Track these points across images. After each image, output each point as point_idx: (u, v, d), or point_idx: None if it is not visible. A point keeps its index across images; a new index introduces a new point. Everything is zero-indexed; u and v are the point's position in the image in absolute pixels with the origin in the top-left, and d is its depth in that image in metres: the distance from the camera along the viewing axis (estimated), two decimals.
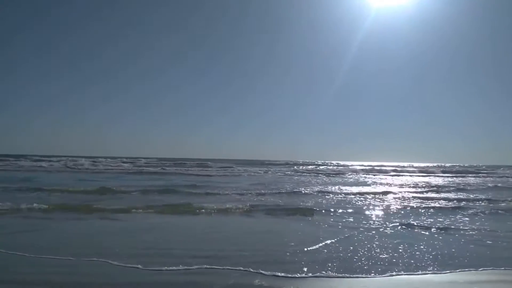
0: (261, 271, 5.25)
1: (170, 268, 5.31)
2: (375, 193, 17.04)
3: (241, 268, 5.35)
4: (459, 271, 5.53)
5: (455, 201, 14.55)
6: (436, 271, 5.50)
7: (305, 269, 5.43)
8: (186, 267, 5.37)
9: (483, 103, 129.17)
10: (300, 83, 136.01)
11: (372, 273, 5.37)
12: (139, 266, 5.39)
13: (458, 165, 79.35)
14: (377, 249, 6.70)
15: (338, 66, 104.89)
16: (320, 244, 6.94)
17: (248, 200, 13.32)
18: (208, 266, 5.42)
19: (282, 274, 5.15)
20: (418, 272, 5.45)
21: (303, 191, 17.27)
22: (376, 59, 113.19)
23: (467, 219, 10.31)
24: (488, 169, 57.30)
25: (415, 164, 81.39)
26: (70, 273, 5.11)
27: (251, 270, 5.29)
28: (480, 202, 14.37)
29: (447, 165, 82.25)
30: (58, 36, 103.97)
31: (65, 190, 15.27)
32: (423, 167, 60.40)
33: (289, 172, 38.92)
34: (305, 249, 6.59)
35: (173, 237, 7.64)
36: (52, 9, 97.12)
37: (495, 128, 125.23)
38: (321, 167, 55.26)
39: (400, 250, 6.65)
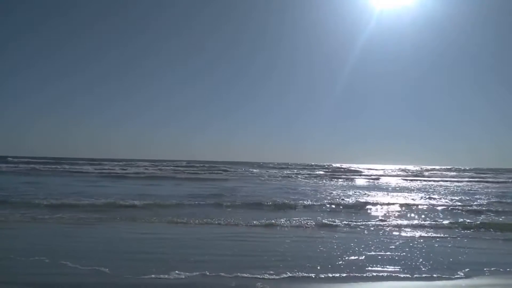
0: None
1: None
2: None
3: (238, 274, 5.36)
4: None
5: None
6: None
7: None
8: None
9: (489, 105, 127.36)
10: (303, 85, 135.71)
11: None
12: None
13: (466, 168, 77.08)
14: None
15: (341, 68, 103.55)
16: None
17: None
18: None
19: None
20: None
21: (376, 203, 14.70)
22: (380, 61, 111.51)
23: None
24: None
25: (429, 167, 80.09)
26: None
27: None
28: None
29: (463, 168, 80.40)
30: (63, 38, 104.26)
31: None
32: (443, 170, 59.45)
33: (313, 176, 37.61)
34: None
35: None
36: (57, 11, 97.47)
37: (505, 131, 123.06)
38: (339, 171, 53.38)
39: None
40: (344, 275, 5.49)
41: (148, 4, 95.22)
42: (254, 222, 9.72)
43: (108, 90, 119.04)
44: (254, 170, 46.51)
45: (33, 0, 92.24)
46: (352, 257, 6.45)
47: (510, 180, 35.49)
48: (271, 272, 5.46)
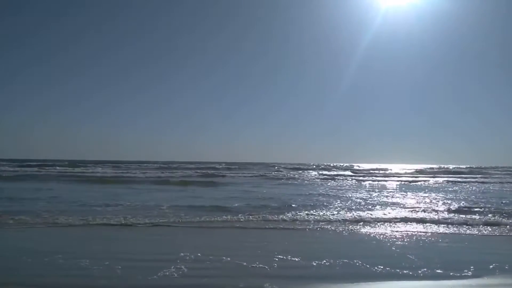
0: None
1: None
2: None
3: None
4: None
5: None
6: None
7: None
8: None
9: (495, 103, 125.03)
10: (309, 84, 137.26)
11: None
12: None
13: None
14: None
15: (347, 67, 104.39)
16: None
17: None
18: None
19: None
20: None
21: None
22: (386, 59, 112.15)
23: None
24: None
25: (434, 166, 78.29)
26: None
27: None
28: None
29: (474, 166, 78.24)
30: (67, 40, 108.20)
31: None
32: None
33: (344, 176, 37.20)
34: None
35: None
36: (61, 13, 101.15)
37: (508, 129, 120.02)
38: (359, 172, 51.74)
39: None
40: (352, 274, 5.53)
41: (153, 5, 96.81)
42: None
43: (113, 91, 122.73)
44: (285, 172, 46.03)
45: (37, 1, 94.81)
46: (360, 256, 6.43)
47: None
48: (279, 271, 5.57)
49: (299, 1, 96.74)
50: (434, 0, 65.80)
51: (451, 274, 5.54)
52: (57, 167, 43.27)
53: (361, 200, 15.54)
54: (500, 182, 31.04)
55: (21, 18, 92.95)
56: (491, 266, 5.96)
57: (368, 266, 5.91)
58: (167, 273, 5.44)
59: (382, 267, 5.84)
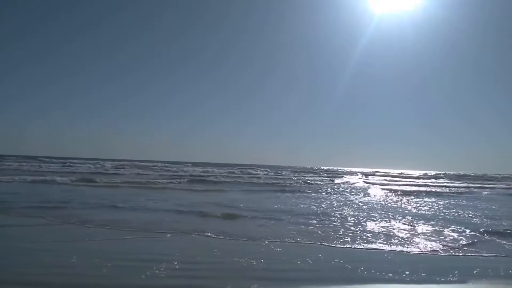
0: None
1: None
2: None
3: None
4: None
5: None
6: None
7: None
8: None
9: (489, 110, 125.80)
10: (304, 89, 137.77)
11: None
12: None
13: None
14: None
15: (342, 72, 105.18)
16: None
17: None
18: None
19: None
20: None
21: None
22: (380, 65, 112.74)
23: None
24: None
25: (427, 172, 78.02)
26: None
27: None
28: None
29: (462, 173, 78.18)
30: (63, 39, 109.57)
31: None
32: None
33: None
34: None
35: None
36: (57, 12, 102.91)
37: (505, 136, 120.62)
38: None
39: None
40: (337, 277, 5.60)
41: (150, 6, 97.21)
42: None
43: (110, 91, 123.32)
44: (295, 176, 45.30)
45: (34, 1, 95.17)
46: (345, 259, 6.48)
47: None
48: (268, 274, 5.62)
49: (293, 7, 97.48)
50: (428, 7, 66.25)
51: (437, 279, 5.59)
52: None
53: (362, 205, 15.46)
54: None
55: (18, 17, 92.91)
56: (475, 272, 6.04)
57: (353, 269, 5.96)
58: (155, 273, 5.46)
59: (366, 270, 5.89)
